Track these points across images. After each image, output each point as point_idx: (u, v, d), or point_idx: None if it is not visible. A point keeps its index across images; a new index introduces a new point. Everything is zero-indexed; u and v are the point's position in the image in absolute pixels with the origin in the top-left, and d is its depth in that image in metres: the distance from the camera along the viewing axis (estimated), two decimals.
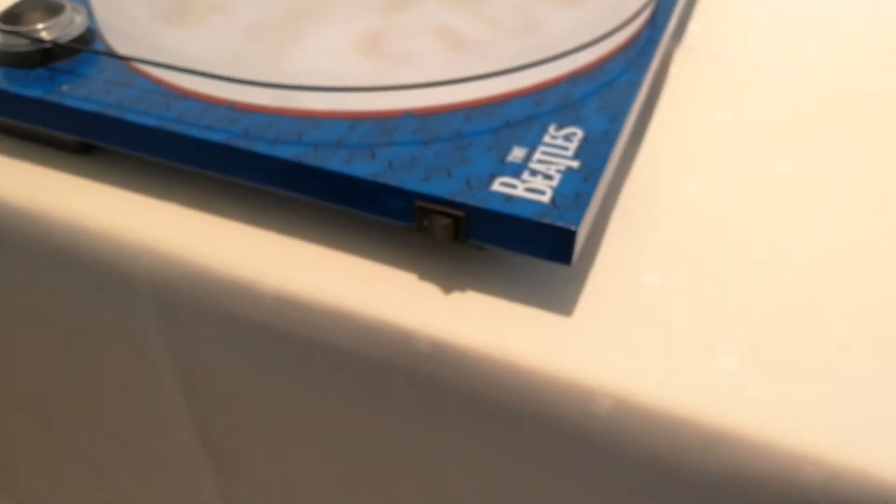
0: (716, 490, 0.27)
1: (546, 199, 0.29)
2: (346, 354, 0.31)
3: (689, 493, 0.28)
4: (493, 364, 0.29)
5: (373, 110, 0.33)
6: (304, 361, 0.33)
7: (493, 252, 0.32)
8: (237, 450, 0.40)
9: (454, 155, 0.31)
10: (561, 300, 0.30)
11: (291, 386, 0.34)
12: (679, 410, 0.27)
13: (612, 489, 0.29)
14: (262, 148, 0.31)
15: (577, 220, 0.28)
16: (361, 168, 0.30)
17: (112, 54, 0.36)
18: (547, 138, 0.31)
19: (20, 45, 0.36)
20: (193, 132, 0.32)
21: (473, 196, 0.29)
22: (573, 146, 0.31)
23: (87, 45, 0.37)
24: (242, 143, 0.31)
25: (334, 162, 0.30)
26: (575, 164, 0.30)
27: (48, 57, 0.36)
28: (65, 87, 0.35)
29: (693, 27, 0.46)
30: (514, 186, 0.29)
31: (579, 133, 0.32)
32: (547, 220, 0.28)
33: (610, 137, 0.31)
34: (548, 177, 0.30)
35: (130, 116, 0.33)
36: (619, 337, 0.29)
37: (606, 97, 0.34)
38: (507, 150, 0.31)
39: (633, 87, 0.34)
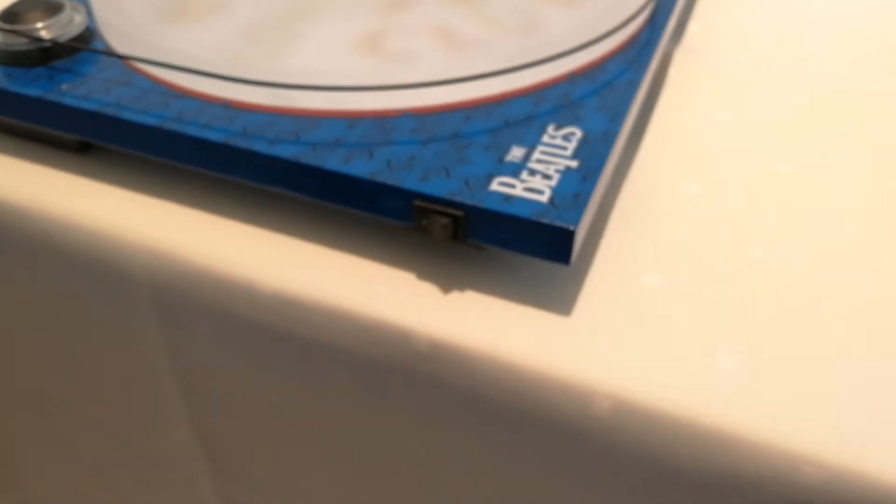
0: (715, 490, 0.27)
1: (545, 198, 0.29)
2: (344, 354, 0.31)
3: (688, 493, 0.28)
4: (492, 364, 0.29)
5: (371, 110, 0.33)
6: (302, 361, 0.33)
7: (491, 252, 0.32)
8: (235, 449, 0.40)
9: (453, 154, 0.31)
10: (560, 300, 0.30)
11: (290, 385, 0.34)
12: (678, 411, 0.27)
13: (612, 489, 0.29)
14: (260, 147, 0.31)
15: (576, 219, 0.28)
16: (360, 167, 0.30)
17: (111, 53, 0.36)
18: (546, 138, 0.31)
19: (19, 43, 0.36)
20: (192, 131, 0.32)
21: (472, 196, 0.29)
22: (572, 146, 0.31)
23: (86, 44, 0.37)
24: (241, 143, 0.31)
25: (332, 161, 0.30)
26: (574, 163, 0.30)
27: (47, 56, 0.36)
28: (64, 86, 0.35)
29: (693, 27, 0.46)
30: (512, 186, 0.29)
31: (578, 133, 0.32)
32: (545, 220, 0.28)
33: (609, 137, 0.31)
34: (546, 176, 0.30)
35: (129, 115, 0.33)
36: (618, 337, 0.29)
37: (606, 97, 0.33)
38: (506, 149, 0.31)
39: (633, 86, 0.34)
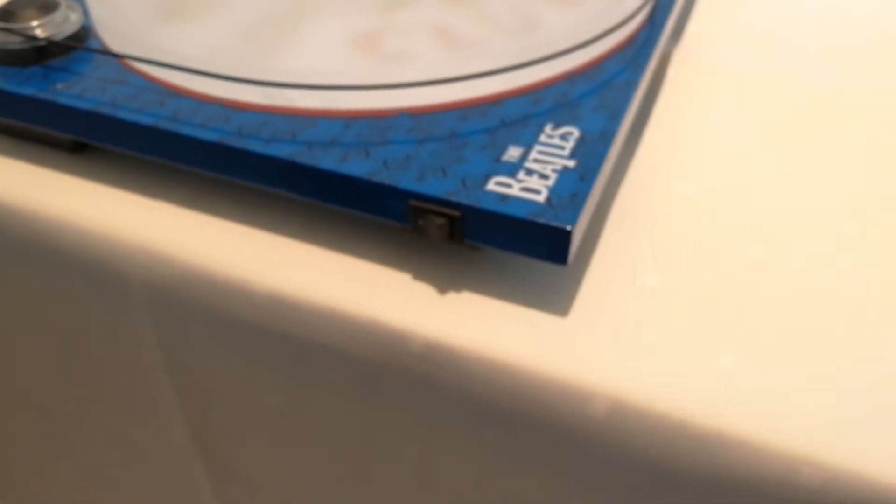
0: (713, 492, 0.27)
1: (542, 198, 0.28)
2: (340, 355, 0.31)
3: (686, 495, 0.27)
4: (489, 365, 0.28)
5: (368, 109, 0.33)
6: (298, 362, 0.32)
7: (488, 252, 0.32)
8: (233, 450, 0.40)
9: (449, 154, 0.30)
10: (557, 301, 0.30)
11: (285, 386, 0.34)
12: (676, 412, 0.26)
13: (610, 491, 0.29)
14: (255, 146, 0.31)
15: (573, 219, 0.28)
16: (356, 167, 0.30)
17: (106, 52, 0.36)
18: (543, 137, 0.31)
19: (14, 42, 0.35)
20: (187, 130, 0.32)
21: (469, 195, 0.28)
22: (569, 145, 0.31)
23: (81, 43, 0.37)
24: (236, 142, 0.31)
25: (328, 161, 0.30)
26: (571, 163, 0.30)
27: (42, 54, 0.36)
28: (59, 85, 0.34)
29: (691, 28, 0.46)
30: (509, 186, 0.29)
31: (576, 132, 0.31)
32: (542, 220, 0.28)
33: (607, 137, 0.31)
34: (544, 176, 0.29)
35: (124, 114, 0.33)
36: (615, 338, 0.29)
37: (604, 96, 0.33)
38: (503, 149, 0.31)
39: (631, 86, 0.34)
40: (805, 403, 0.26)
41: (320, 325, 0.31)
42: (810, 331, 0.29)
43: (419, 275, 0.31)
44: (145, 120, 0.32)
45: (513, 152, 0.30)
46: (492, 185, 0.29)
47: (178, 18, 0.38)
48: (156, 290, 0.33)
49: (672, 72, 0.43)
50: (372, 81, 0.32)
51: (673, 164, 0.36)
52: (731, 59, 0.43)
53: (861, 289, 0.30)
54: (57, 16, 0.36)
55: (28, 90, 0.34)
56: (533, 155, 0.30)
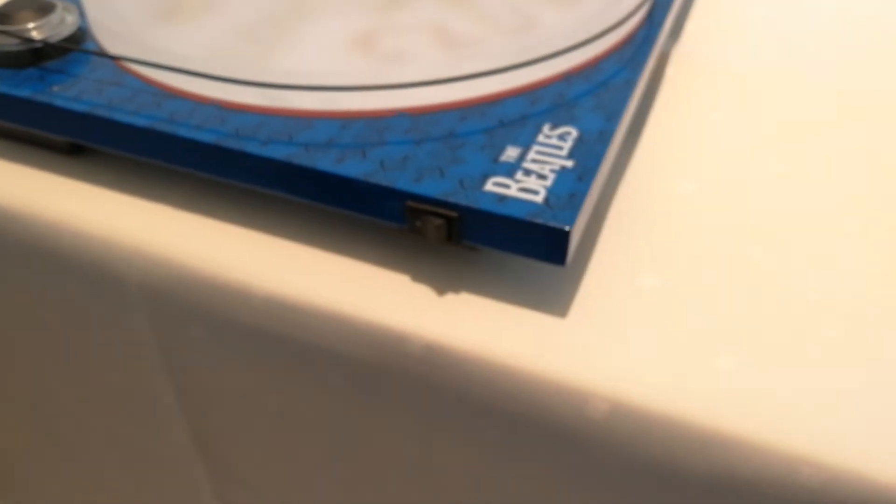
0: (713, 493, 0.27)
1: (540, 199, 0.28)
2: (338, 357, 0.31)
3: (686, 496, 0.27)
4: (487, 366, 0.28)
5: (365, 110, 0.33)
6: (296, 364, 0.32)
7: (486, 253, 0.32)
8: (232, 451, 0.40)
9: (447, 155, 0.30)
10: (555, 301, 0.30)
11: (284, 388, 0.34)
12: (675, 412, 0.26)
13: (609, 492, 0.29)
14: (252, 148, 0.31)
15: (571, 220, 0.27)
16: (353, 168, 0.30)
17: (103, 54, 0.36)
18: (541, 138, 0.31)
19: (10, 44, 0.35)
20: (183, 132, 0.32)
21: (466, 196, 0.28)
22: (568, 146, 0.31)
23: (77, 45, 0.37)
24: (233, 143, 0.31)
25: (325, 162, 0.30)
26: (569, 163, 0.30)
27: (39, 56, 0.36)
28: (55, 87, 0.34)
29: (690, 27, 0.46)
30: (507, 186, 0.29)
31: (574, 132, 0.31)
32: (540, 221, 0.27)
33: (605, 137, 0.31)
34: (542, 176, 0.29)
35: (120, 116, 0.33)
36: (614, 338, 0.29)
37: (602, 96, 0.33)
38: (501, 149, 0.31)
39: (629, 86, 0.34)
40: (805, 403, 0.26)
41: (318, 327, 0.30)
42: (810, 331, 0.29)
43: (417, 276, 0.31)
44: (142, 122, 0.32)
45: (511, 152, 0.30)
46: (490, 186, 0.29)
47: (173, 20, 0.38)
48: (153, 293, 0.33)
49: (671, 71, 0.42)
50: (370, 82, 0.32)
51: (672, 164, 0.36)
52: (730, 58, 0.43)
53: (861, 289, 0.30)
54: (53, 18, 0.36)
55: (24, 92, 0.34)
56: (531, 155, 0.30)
